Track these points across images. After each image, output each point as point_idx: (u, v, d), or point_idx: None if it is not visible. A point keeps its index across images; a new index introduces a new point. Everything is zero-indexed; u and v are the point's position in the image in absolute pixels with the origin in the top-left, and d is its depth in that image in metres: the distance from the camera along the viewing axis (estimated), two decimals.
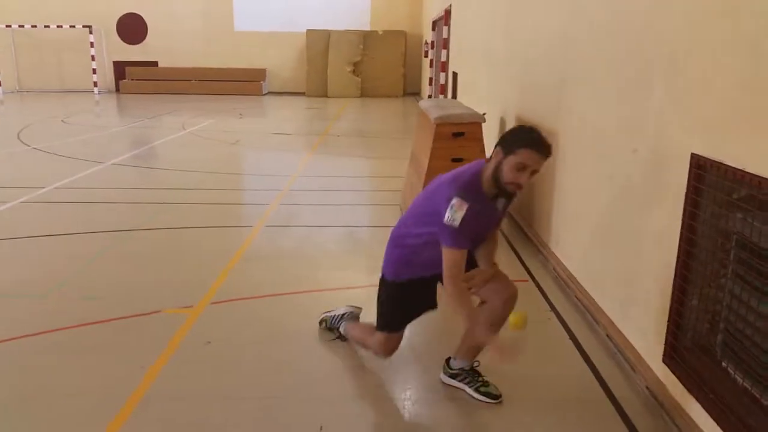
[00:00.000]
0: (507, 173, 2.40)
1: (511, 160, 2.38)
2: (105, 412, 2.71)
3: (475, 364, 2.91)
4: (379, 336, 2.94)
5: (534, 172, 2.42)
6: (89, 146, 10.35)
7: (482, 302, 2.81)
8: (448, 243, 2.50)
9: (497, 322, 2.73)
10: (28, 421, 2.70)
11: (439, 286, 2.79)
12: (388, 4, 21.31)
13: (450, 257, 2.51)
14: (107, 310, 3.78)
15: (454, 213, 2.43)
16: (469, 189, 2.49)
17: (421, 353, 3.30)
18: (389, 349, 2.96)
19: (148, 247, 5.17)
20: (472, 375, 2.89)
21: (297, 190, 7.25)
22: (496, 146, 2.49)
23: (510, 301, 2.74)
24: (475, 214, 2.45)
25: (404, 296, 2.87)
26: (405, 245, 2.78)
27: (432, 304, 2.94)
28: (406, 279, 2.82)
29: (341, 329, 3.33)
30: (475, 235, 2.61)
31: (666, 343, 2.75)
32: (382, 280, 2.91)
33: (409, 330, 2.99)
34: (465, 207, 2.43)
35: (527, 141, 2.39)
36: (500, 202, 2.61)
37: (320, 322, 3.49)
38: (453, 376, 2.93)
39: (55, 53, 21.82)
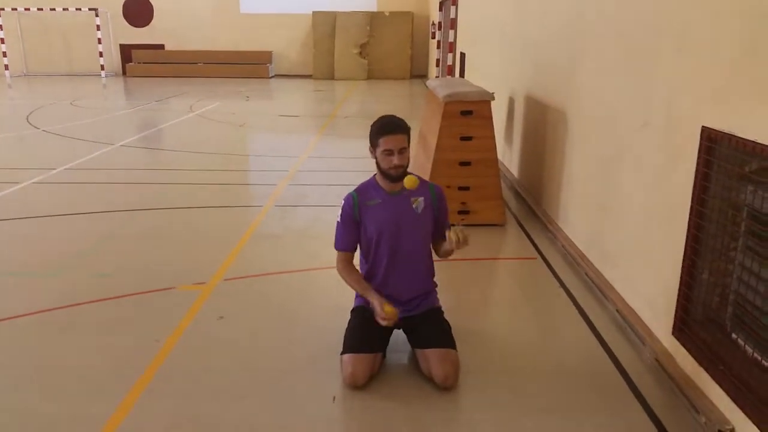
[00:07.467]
0: (382, 163, 2.75)
1: (379, 152, 2.74)
2: (122, 384, 2.76)
3: None
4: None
5: (402, 149, 2.73)
6: (98, 128, 10.39)
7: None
8: (334, 243, 2.95)
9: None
10: (43, 395, 2.74)
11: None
12: None
13: (337, 256, 2.98)
14: (120, 287, 3.83)
15: (340, 210, 2.88)
16: (361, 186, 2.88)
17: None
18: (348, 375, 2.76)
19: (158, 226, 5.22)
20: None
21: (305, 171, 7.26)
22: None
23: (442, 383, 2.70)
24: (367, 208, 2.82)
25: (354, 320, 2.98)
26: None
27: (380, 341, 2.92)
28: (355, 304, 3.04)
29: None
30: (390, 228, 2.83)
31: (676, 317, 2.77)
32: None
33: None
34: (344, 200, 2.86)
35: (379, 130, 2.74)
36: (420, 201, 2.86)
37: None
38: None
39: (61, 37, 21.80)
